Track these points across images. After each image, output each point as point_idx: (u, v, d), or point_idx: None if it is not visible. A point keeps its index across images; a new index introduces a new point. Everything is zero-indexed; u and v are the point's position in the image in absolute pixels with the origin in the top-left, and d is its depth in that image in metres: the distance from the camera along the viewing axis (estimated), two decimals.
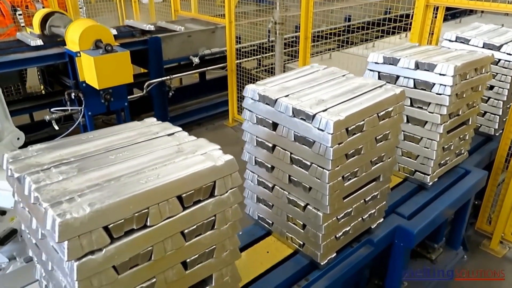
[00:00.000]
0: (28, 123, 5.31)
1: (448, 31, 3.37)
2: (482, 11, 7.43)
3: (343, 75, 2.25)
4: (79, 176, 1.34)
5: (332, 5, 6.95)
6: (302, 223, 2.06)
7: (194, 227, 1.44)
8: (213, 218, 1.49)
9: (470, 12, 8.11)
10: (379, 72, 2.62)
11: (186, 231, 1.42)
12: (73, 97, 4.46)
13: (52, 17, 4.99)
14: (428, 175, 2.68)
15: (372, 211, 2.26)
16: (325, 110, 1.83)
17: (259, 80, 2.23)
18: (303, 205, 2.00)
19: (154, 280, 1.39)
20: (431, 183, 2.72)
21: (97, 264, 1.21)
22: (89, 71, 4.22)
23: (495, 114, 3.34)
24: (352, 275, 2.27)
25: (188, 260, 1.47)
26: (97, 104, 4.54)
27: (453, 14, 7.82)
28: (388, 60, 2.58)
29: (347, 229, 2.13)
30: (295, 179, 1.98)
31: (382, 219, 2.39)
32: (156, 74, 5.33)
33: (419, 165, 2.70)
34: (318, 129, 1.79)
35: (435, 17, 3.71)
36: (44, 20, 4.97)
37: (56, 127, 4.50)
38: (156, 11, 7.89)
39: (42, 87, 5.59)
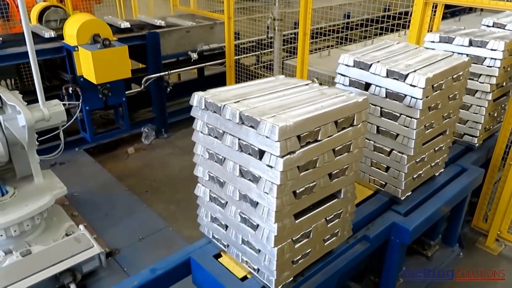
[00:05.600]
0: None
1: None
2: (482, 9, 7.44)
3: (415, 48, 2.66)
4: (265, 104, 1.78)
5: (331, 2, 6.94)
6: (385, 166, 2.48)
7: (341, 146, 1.88)
8: (351, 142, 1.92)
9: (470, 10, 8.11)
10: (434, 49, 2.88)
11: (336, 148, 1.86)
12: (70, 91, 4.45)
13: (48, 11, 4.97)
14: (476, 137, 3.15)
15: (437, 160, 2.70)
16: (414, 71, 2.24)
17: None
18: (388, 150, 2.42)
19: (314, 183, 1.82)
20: (477, 144, 3.18)
21: (291, 162, 1.65)
22: (87, 65, 4.20)
23: None
24: (348, 270, 2.27)
25: (333, 172, 1.90)
26: (94, 99, 4.53)
27: (452, 12, 7.82)
28: (443, 39, 3.03)
29: (420, 172, 2.57)
30: (383, 129, 2.40)
31: (443, 169, 2.83)
32: (154, 70, 5.31)
33: (468, 129, 3.16)
34: (411, 85, 2.20)
35: (434, 14, 3.71)
36: (42, 14, 4.96)
37: None
38: (155, 6, 7.86)
39: None
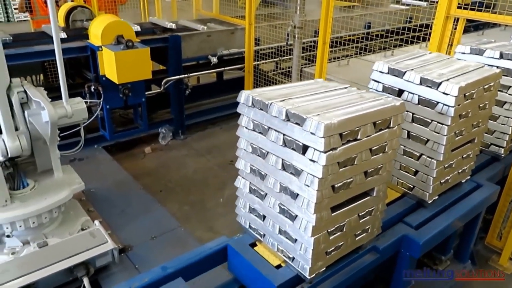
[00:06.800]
0: None
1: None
2: (506, 24, 7.32)
3: (448, 58, 2.75)
4: (308, 104, 1.88)
5: (352, 11, 6.95)
6: (414, 170, 2.57)
7: (377, 146, 1.97)
8: (386, 143, 2.01)
9: (494, 24, 7.98)
10: (465, 60, 2.94)
11: (373, 148, 1.95)
12: (92, 90, 4.56)
13: (75, 11, 5.12)
14: (503, 147, 3.20)
15: (465, 167, 2.77)
16: (447, 80, 2.32)
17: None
18: (418, 155, 2.51)
19: (351, 179, 1.92)
20: (503, 155, 3.23)
21: (333, 157, 1.75)
22: (109, 65, 4.32)
23: None
24: (357, 280, 2.28)
25: (368, 170, 1.99)
26: (115, 98, 4.63)
27: (476, 26, 7.73)
28: (474, 51, 3.10)
29: (448, 178, 2.64)
30: (414, 134, 2.49)
31: (469, 176, 2.88)
32: (175, 72, 5.41)
33: (495, 139, 3.22)
34: (443, 93, 2.28)
35: (455, 28, 3.69)
36: (68, 13, 5.11)
37: None
38: (178, 9, 7.99)
39: None
